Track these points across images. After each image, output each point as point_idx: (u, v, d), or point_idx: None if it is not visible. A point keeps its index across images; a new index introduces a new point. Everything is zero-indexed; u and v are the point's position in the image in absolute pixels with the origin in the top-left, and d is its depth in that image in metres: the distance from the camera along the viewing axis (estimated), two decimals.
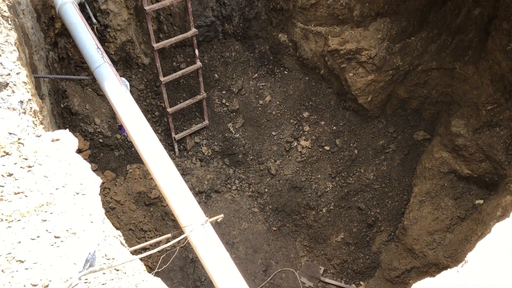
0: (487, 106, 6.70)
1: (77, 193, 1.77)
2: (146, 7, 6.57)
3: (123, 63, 7.74)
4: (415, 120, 8.12)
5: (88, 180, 1.83)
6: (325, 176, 8.27)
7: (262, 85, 8.47)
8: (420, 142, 8.09)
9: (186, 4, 7.02)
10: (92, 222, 1.65)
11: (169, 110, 7.66)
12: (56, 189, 1.77)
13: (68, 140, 1.97)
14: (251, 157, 8.44)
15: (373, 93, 7.77)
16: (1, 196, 1.72)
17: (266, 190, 8.41)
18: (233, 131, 8.39)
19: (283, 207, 8.36)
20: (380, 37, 7.35)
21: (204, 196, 8.25)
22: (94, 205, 1.74)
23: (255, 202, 8.48)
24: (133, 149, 7.62)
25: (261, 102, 8.45)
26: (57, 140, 1.96)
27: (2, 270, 1.50)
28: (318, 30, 7.77)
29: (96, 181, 1.84)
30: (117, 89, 4.90)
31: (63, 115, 7.26)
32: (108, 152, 7.65)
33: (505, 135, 6.50)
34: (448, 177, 7.21)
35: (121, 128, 5.67)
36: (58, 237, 1.62)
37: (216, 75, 8.36)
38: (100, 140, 7.49)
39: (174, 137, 7.99)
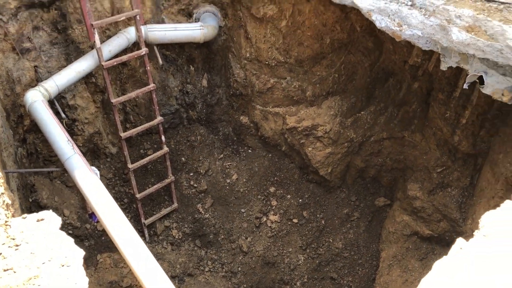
0: (437, 169, 7.24)
1: (63, 265, 1.95)
2: (113, 100, 6.97)
3: (91, 154, 7.98)
4: (374, 187, 8.57)
5: (72, 253, 2.02)
6: (296, 249, 8.42)
7: (228, 165, 8.83)
8: (382, 208, 8.47)
9: (151, 95, 7.48)
10: None
11: (138, 195, 7.81)
12: (43, 263, 1.95)
13: (52, 218, 2.18)
14: (222, 236, 8.54)
15: (332, 165, 8.24)
16: None
17: (239, 269, 8.43)
18: (202, 212, 8.55)
19: (258, 285, 8.35)
20: (332, 113, 7.98)
21: (177, 280, 8.16)
22: (78, 275, 1.92)
23: (229, 283, 8.44)
24: (103, 238, 7.62)
25: (228, 181, 8.74)
26: (42, 219, 2.16)
27: None
28: (276, 110, 8.35)
29: (79, 253, 2.03)
30: (88, 178, 5.12)
31: (31, 209, 7.29)
32: (78, 243, 7.54)
33: (457, 194, 6.98)
34: (411, 239, 7.53)
35: (92, 216, 5.79)
36: None
37: (183, 158, 8.68)
38: (70, 232, 7.47)
39: (144, 223, 8.06)
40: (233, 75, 8.26)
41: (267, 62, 7.81)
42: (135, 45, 7.28)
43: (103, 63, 6.61)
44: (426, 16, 5.01)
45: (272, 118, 8.43)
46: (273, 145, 8.72)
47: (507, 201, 2.52)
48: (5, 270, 1.94)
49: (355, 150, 8.21)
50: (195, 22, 7.68)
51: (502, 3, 4.91)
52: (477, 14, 4.71)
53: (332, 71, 7.71)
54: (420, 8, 5.13)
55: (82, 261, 2.06)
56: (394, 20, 5.26)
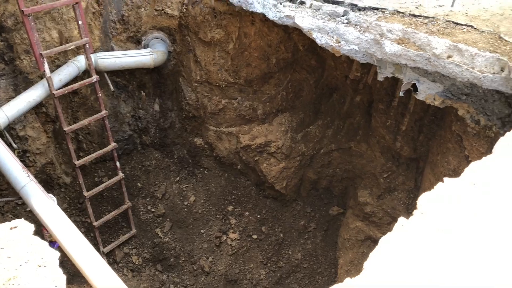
0: (383, 174, 7.70)
1: (39, 266, 2.04)
2: (66, 128, 6.96)
3: (45, 185, 7.84)
4: (327, 197, 8.94)
5: (47, 255, 2.12)
6: (257, 264, 8.57)
7: (185, 187, 8.92)
8: (336, 217, 8.83)
9: (103, 122, 7.53)
10: (56, 287, 1.93)
11: (95, 223, 7.73)
12: (20, 265, 2.04)
13: (24, 226, 2.27)
14: (183, 259, 8.56)
15: (287, 179, 8.54)
16: None
17: None
18: (161, 236, 8.55)
19: None
20: (283, 129, 8.33)
21: None
22: (56, 273, 2.02)
23: None
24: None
25: (186, 203, 8.82)
26: (15, 227, 2.25)
27: None
28: (229, 130, 8.60)
29: (55, 254, 2.13)
30: (45, 204, 5.10)
31: None
32: None
33: (403, 197, 7.44)
34: (365, 243, 7.89)
35: (51, 243, 5.71)
36: None
37: (139, 183, 8.69)
38: None
39: (102, 251, 7.96)
40: (184, 98, 8.46)
41: (217, 84, 8.08)
42: (86, 73, 7.34)
43: (54, 92, 6.63)
44: (361, 32, 5.49)
45: (226, 137, 8.67)
46: (229, 164, 8.92)
47: (439, 184, 2.86)
48: None
49: (307, 163, 8.57)
50: (144, 48, 7.87)
51: (427, 17, 5.48)
52: (406, 27, 5.23)
53: (280, 89, 8.09)
54: (355, 25, 5.61)
55: (58, 261, 2.17)
56: (332, 37, 5.70)
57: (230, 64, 7.79)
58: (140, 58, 7.65)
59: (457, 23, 5.29)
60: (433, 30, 5.17)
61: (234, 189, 9.00)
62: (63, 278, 2.05)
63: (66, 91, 6.85)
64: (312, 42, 6.19)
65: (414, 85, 5.52)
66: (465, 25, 5.25)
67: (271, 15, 6.17)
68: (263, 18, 6.61)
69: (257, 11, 6.33)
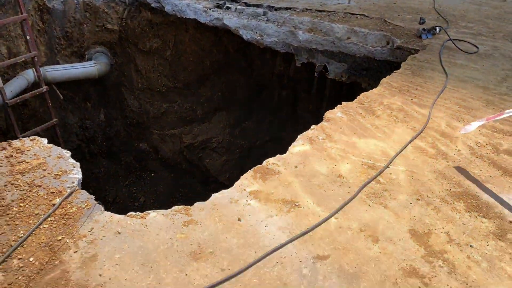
0: None
1: (59, 157, 2.81)
2: (19, 136, 7.46)
3: None
4: None
5: (62, 151, 2.89)
6: None
7: (134, 189, 9.54)
8: None
9: (54, 130, 8.06)
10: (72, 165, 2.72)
11: None
12: (44, 157, 2.80)
13: (41, 139, 3.02)
14: None
15: (229, 171, 9.45)
16: None
17: None
18: None
19: None
20: (222, 126, 9.30)
21: None
22: (71, 161, 2.80)
23: None
24: None
25: (136, 204, 9.42)
26: (34, 139, 2.98)
27: None
28: (172, 132, 9.41)
29: (67, 151, 2.90)
30: None
31: None
32: None
33: None
34: None
35: None
36: None
37: (90, 190, 9.18)
38: None
39: None
40: (128, 106, 9.20)
41: (158, 89, 8.93)
42: (34, 86, 7.90)
43: (7, 101, 7.14)
44: (279, 26, 6.66)
45: (170, 139, 9.46)
46: (174, 164, 9.69)
47: (299, 137, 3.84)
48: (20, 162, 2.74)
49: (246, 154, 9.55)
50: (88, 61, 8.58)
51: (329, 11, 6.78)
52: (313, 19, 6.48)
53: (216, 90, 9.10)
54: (274, 21, 6.79)
55: (69, 153, 2.94)
56: (256, 32, 6.83)
57: (169, 70, 8.69)
58: (85, 69, 8.34)
59: (352, 14, 6.64)
60: (335, 20, 6.46)
61: (181, 187, 9.74)
62: (77, 164, 2.83)
63: (19, 100, 7.38)
64: (241, 44, 7.28)
65: (325, 67, 6.76)
66: (359, 14, 6.60)
67: (203, 19, 7.21)
68: (196, 25, 7.65)
69: (190, 17, 7.35)
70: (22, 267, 2.18)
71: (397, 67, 5.39)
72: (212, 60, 8.62)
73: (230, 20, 6.92)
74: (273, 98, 9.30)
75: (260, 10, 6.98)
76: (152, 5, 7.78)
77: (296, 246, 2.54)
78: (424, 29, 5.89)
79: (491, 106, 4.20)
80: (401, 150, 3.46)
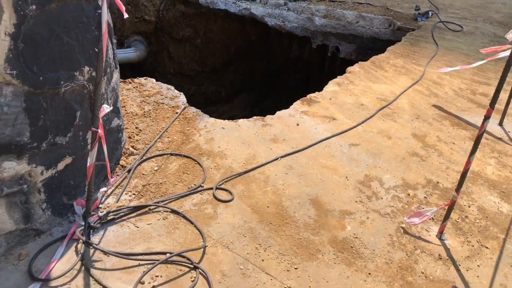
0: None
1: (173, 98, 4.13)
2: None
3: None
4: None
5: (174, 91, 4.21)
6: None
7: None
8: None
9: None
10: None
11: None
12: (163, 93, 4.12)
13: (146, 80, 4.31)
14: None
15: None
16: None
17: None
18: None
19: None
20: (243, 106, 10.59)
21: None
22: (181, 96, 4.12)
23: None
24: None
25: None
26: (142, 81, 4.29)
27: None
28: None
29: (177, 90, 4.21)
30: None
31: None
32: None
33: None
34: None
35: None
36: None
37: None
38: None
39: None
40: None
41: (188, 74, 10.23)
42: None
43: None
44: (298, 13, 7.99)
45: None
46: None
47: (330, 82, 5.17)
48: (144, 90, 4.04)
49: None
50: (128, 48, 9.88)
51: (341, 1, 8.12)
52: (328, 7, 7.81)
53: (239, 74, 10.40)
54: (294, 10, 8.11)
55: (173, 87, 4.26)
56: (279, 19, 8.16)
57: (198, 56, 9.99)
58: (127, 55, 9.62)
59: (360, 3, 7.98)
60: (346, 7, 7.79)
61: None
62: (182, 94, 4.13)
63: None
64: (262, 32, 8.58)
65: (337, 48, 8.08)
66: (365, 3, 7.94)
67: (232, 9, 8.53)
68: (224, 15, 8.97)
69: (221, 8, 8.67)
70: (171, 141, 3.48)
71: None
72: (236, 47, 9.92)
73: (257, 9, 8.25)
74: (289, 80, 10.61)
75: (281, 1, 8.31)
76: None
77: (337, 139, 3.85)
78: (419, 13, 7.24)
79: None
80: (405, 90, 4.78)
